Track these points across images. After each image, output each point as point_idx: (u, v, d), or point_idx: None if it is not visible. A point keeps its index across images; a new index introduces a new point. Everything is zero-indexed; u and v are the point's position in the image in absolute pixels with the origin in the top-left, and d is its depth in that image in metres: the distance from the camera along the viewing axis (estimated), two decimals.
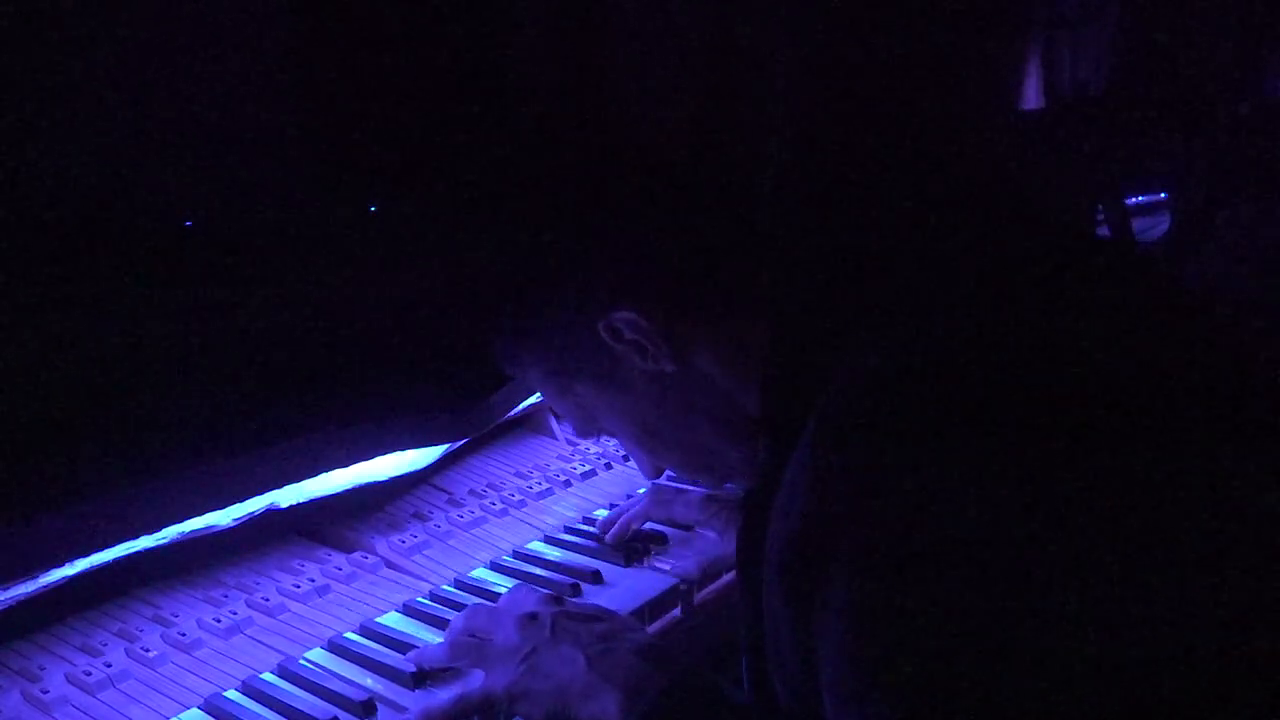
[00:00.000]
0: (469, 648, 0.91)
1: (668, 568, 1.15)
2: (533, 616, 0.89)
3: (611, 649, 0.84)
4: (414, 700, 0.90)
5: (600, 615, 0.91)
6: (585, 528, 1.27)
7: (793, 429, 0.63)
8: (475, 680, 0.91)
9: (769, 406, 0.72)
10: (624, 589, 1.10)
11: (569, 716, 0.83)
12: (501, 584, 1.11)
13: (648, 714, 0.78)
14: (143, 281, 1.28)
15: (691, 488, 1.23)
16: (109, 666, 0.92)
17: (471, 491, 1.34)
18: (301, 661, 0.96)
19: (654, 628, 1.07)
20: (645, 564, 1.16)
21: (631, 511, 1.20)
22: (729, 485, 1.20)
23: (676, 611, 1.10)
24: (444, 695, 0.90)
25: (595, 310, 0.77)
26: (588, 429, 0.87)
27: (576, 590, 1.09)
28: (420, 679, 0.91)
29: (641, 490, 1.38)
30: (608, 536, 1.20)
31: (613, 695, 0.80)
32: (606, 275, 0.77)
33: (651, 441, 0.84)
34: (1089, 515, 0.53)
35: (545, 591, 0.95)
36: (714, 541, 1.19)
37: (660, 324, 0.75)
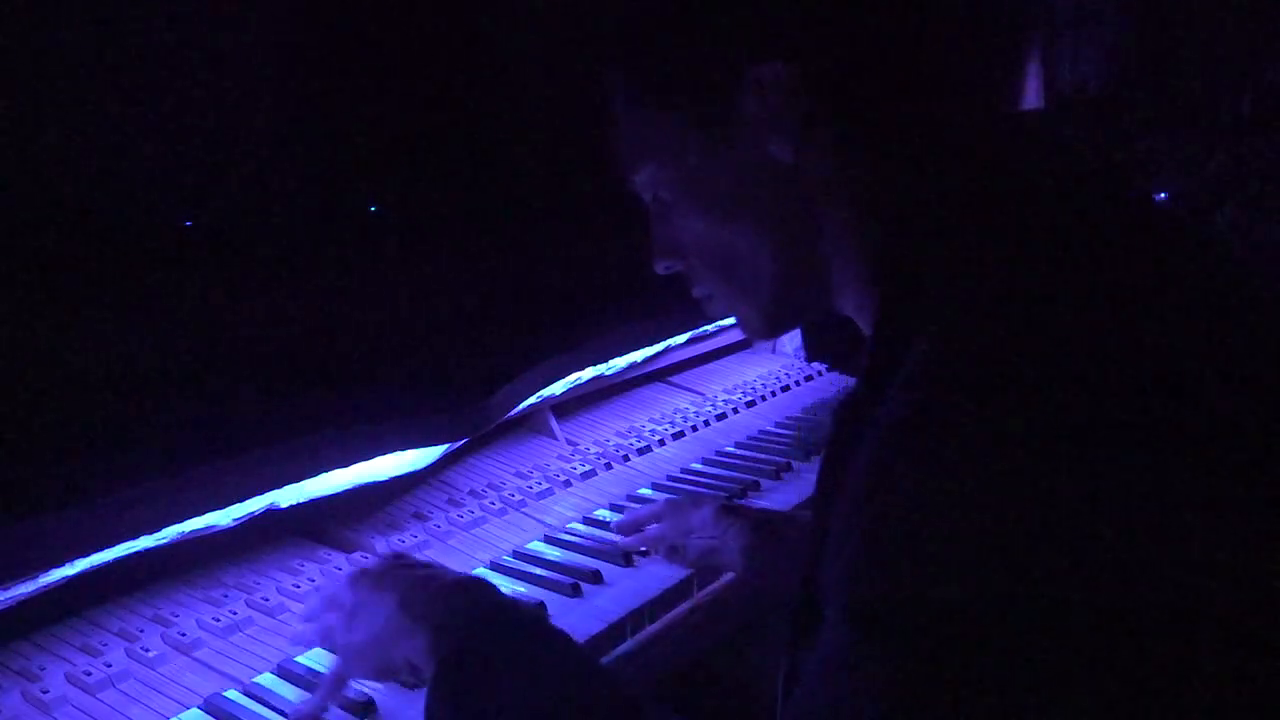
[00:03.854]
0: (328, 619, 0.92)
1: (668, 569, 1.14)
2: (362, 573, 0.91)
3: (419, 588, 0.84)
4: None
5: (427, 564, 0.91)
6: (585, 528, 1.27)
7: (894, 349, 0.59)
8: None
9: (885, 305, 0.66)
10: (624, 589, 1.10)
11: (388, 664, 0.84)
12: (502, 584, 1.11)
13: (458, 648, 0.77)
14: (143, 281, 1.28)
15: (708, 494, 1.22)
16: (109, 666, 0.92)
17: (471, 491, 1.34)
18: (301, 661, 0.96)
19: (655, 627, 1.07)
20: (645, 564, 1.16)
21: (648, 525, 1.19)
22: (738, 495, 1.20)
23: (678, 610, 1.09)
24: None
25: (746, 48, 0.68)
26: (666, 250, 0.80)
27: (576, 590, 1.09)
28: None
29: (645, 490, 1.39)
30: (620, 542, 1.19)
31: (422, 632, 0.80)
32: (781, 11, 0.68)
33: (727, 246, 0.75)
34: (1144, 499, 0.50)
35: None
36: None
37: (803, 93, 0.67)
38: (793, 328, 0.79)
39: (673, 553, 1.14)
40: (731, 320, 1.97)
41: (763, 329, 0.79)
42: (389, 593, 0.86)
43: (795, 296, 0.75)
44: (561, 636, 0.78)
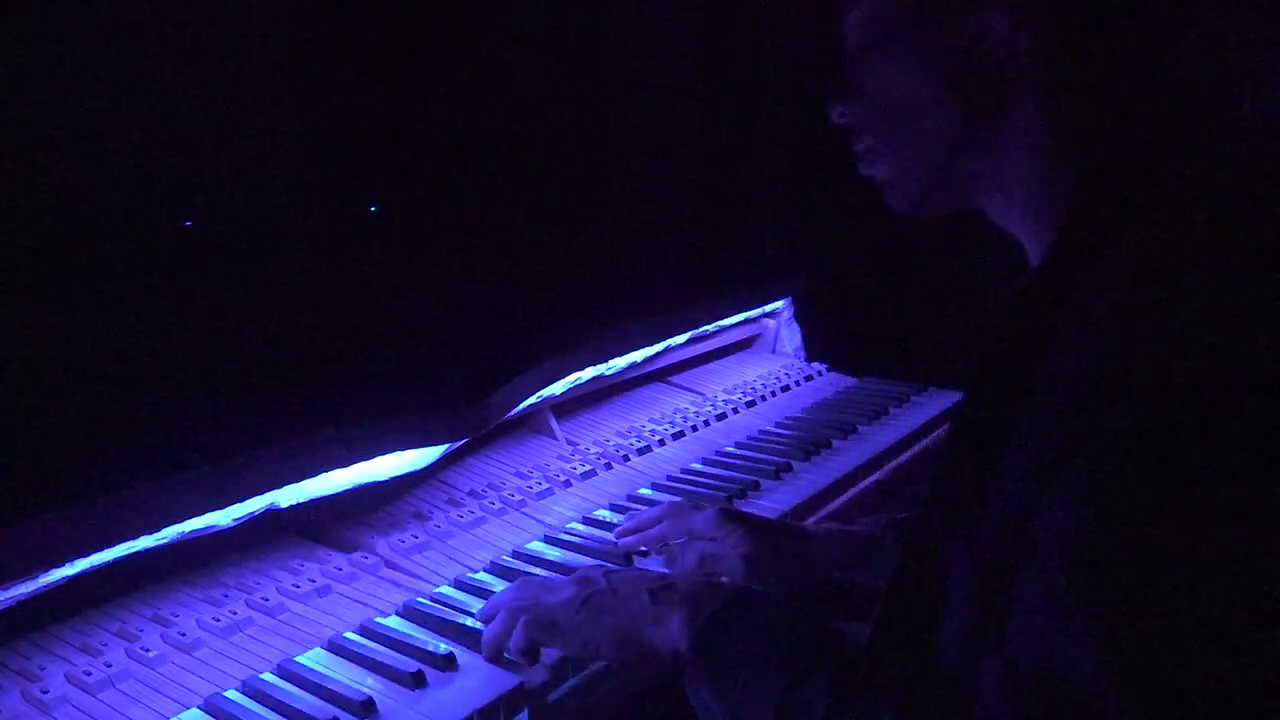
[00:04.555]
0: (525, 608, 0.95)
1: (668, 570, 1.14)
2: (585, 577, 0.96)
3: (670, 584, 0.91)
4: (414, 700, 0.90)
5: (650, 572, 0.98)
6: (585, 528, 1.27)
7: (1093, 245, 0.63)
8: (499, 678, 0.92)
9: (1088, 189, 0.68)
10: None
11: (636, 644, 0.89)
12: (502, 585, 1.11)
13: (706, 626, 0.83)
14: (142, 281, 1.28)
15: (708, 495, 1.22)
16: (109, 666, 0.92)
17: (471, 491, 1.34)
18: (301, 661, 0.96)
19: None
20: (645, 564, 1.16)
21: (650, 528, 1.19)
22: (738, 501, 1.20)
23: None
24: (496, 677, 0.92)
25: None
26: (850, 93, 0.80)
27: None
28: (420, 679, 0.91)
29: (645, 490, 1.39)
30: (621, 543, 1.19)
31: (676, 615, 0.86)
32: None
33: (912, 101, 0.75)
34: None
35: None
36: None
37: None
38: (933, 211, 0.79)
39: (671, 559, 1.14)
40: (731, 320, 1.99)
41: (908, 196, 0.79)
42: (638, 588, 0.91)
43: (955, 172, 0.76)
44: (792, 620, 0.82)
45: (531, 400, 1.44)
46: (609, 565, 1.03)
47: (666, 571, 1.09)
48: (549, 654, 0.95)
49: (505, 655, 0.95)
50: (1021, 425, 0.64)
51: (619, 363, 1.63)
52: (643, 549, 1.18)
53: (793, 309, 2.08)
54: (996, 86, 0.71)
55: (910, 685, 0.69)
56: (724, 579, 1.09)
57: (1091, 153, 0.69)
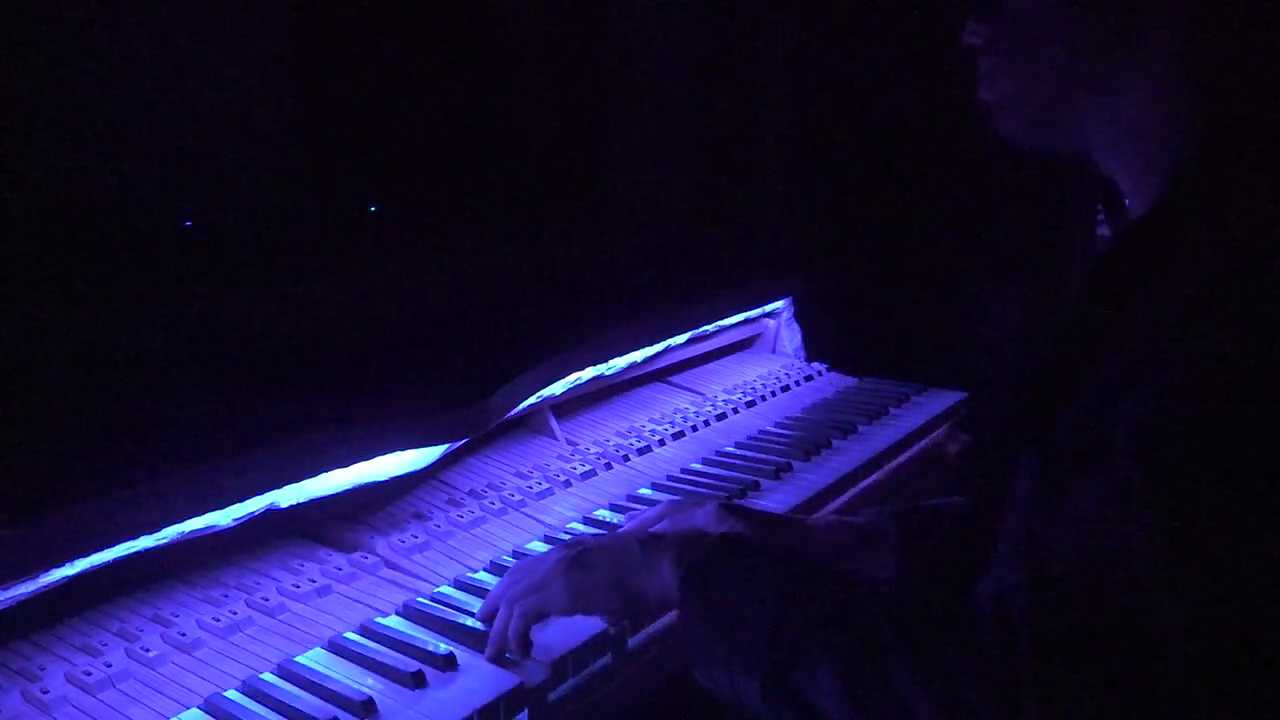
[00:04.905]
0: (518, 578, 0.97)
1: None
2: (572, 541, 1.00)
3: (659, 536, 0.94)
4: (414, 700, 0.90)
5: (638, 531, 1.02)
6: (585, 528, 1.27)
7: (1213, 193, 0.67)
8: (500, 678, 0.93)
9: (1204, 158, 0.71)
10: None
11: (627, 593, 0.90)
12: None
13: (697, 561, 0.84)
14: (143, 281, 1.28)
15: (709, 494, 1.21)
16: (109, 666, 0.92)
17: (471, 491, 1.34)
18: (301, 661, 0.96)
19: (655, 627, 1.07)
20: None
21: (648, 521, 1.19)
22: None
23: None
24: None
25: None
26: (985, 12, 0.81)
27: None
28: (420, 679, 0.91)
29: (645, 490, 1.38)
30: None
31: (666, 558, 0.89)
32: None
33: (1045, 27, 0.77)
34: None
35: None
36: None
37: None
38: (1038, 143, 0.81)
39: None
40: (731, 320, 1.98)
41: (1019, 122, 0.80)
42: (626, 541, 0.94)
43: (1071, 105, 0.77)
44: (784, 554, 0.85)
45: (531, 400, 1.44)
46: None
47: None
48: (549, 654, 0.95)
49: (508, 655, 0.96)
50: (1109, 345, 0.68)
51: (619, 363, 1.63)
52: None
53: (793, 309, 2.08)
54: (1131, 24, 0.72)
55: (916, 603, 0.71)
56: None
57: (1220, 107, 0.71)
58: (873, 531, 1.09)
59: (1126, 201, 0.79)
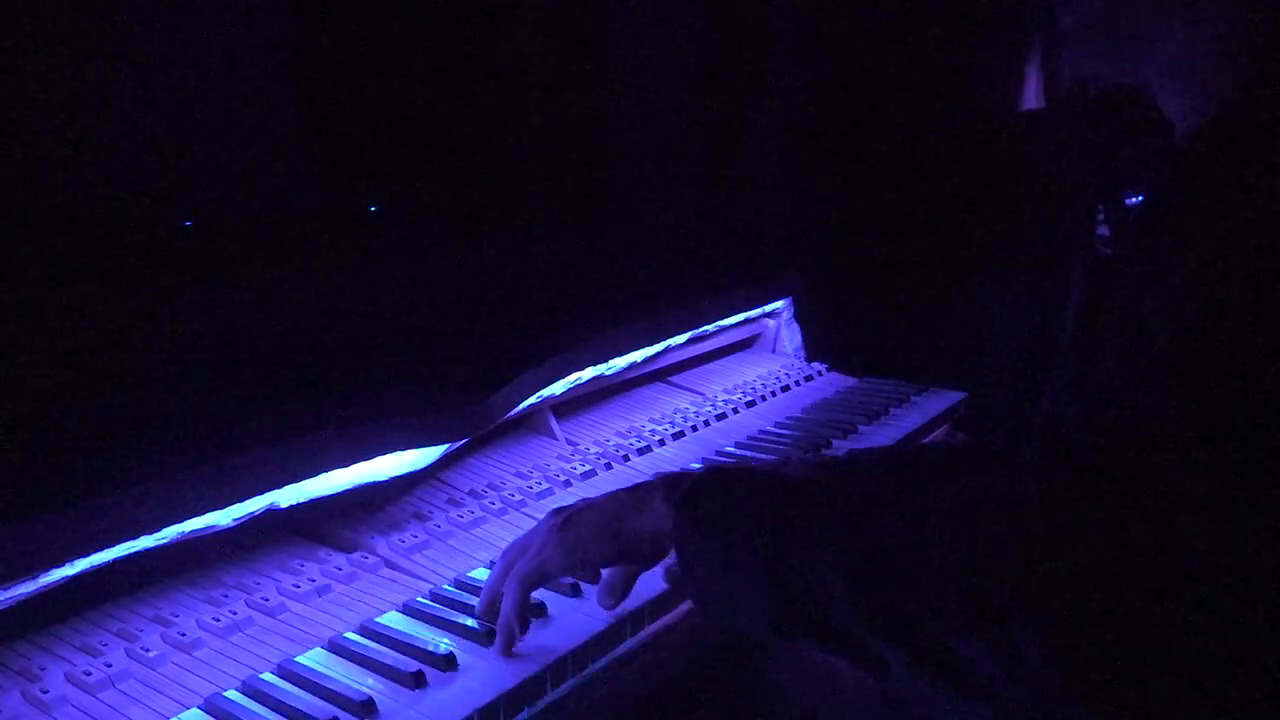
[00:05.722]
0: (510, 559, 0.97)
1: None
2: (557, 509, 0.99)
3: (645, 481, 0.94)
4: (414, 700, 0.90)
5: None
6: None
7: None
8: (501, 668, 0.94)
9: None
10: None
11: (621, 536, 0.91)
12: None
13: (689, 489, 0.86)
14: (143, 281, 1.28)
15: None
16: (109, 666, 0.92)
17: (471, 491, 1.34)
18: (301, 661, 0.96)
19: (655, 627, 1.07)
20: None
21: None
22: None
23: (680, 610, 1.09)
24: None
25: None
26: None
27: (576, 590, 1.09)
28: (420, 679, 0.92)
29: None
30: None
31: (655, 495, 0.90)
32: None
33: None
34: None
35: None
36: None
37: None
38: (1106, 74, 0.84)
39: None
40: (731, 320, 1.98)
41: (1101, 47, 0.82)
42: (612, 496, 0.95)
43: (1145, 35, 0.78)
44: (770, 474, 0.85)
45: (531, 400, 1.44)
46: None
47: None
48: (549, 654, 0.95)
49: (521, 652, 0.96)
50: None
51: (619, 363, 1.63)
52: None
53: (793, 309, 2.08)
54: None
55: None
56: None
57: (1272, 57, 0.74)
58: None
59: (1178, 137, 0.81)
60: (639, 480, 1.40)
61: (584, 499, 0.98)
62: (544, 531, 0.96)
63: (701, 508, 0.84)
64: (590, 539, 0.93)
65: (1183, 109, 0.80)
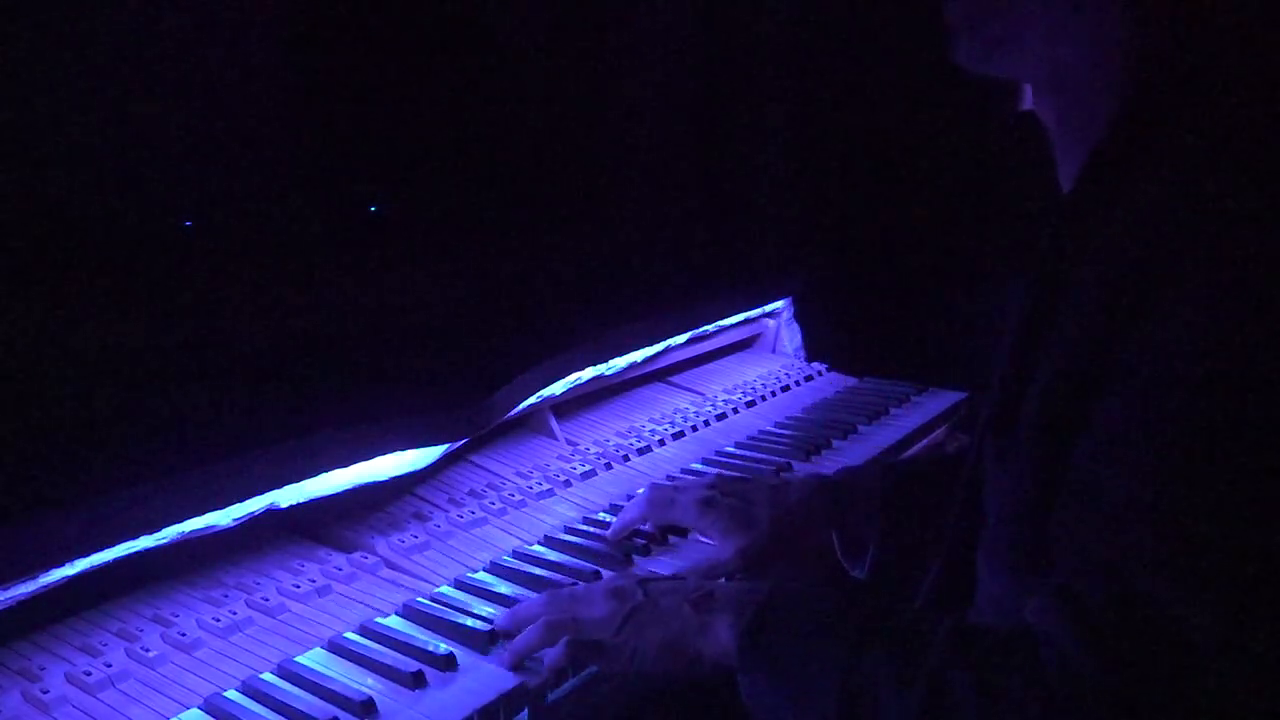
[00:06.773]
0: (564, 625, 0.94)
1: (668, 571, 1.14)
2: (619, 589, 0.94)
3: (709, 592, 0.90)
4: (414, 700, 0.90)
5: (682, 576, 0.98)
6: (586, 528, 1.27)
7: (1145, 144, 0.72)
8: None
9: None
10: None
11: (683, 656, 0.88)
12: (502, 585, 1.11)
13: (754, 619, 0.83)
14: (143, 281, 1.28)
15: (690, 484, 1.23)
16: (109, 666, 0.92)
17: (471, 491, 1.34)
18: (301, 661, 0.96)
19: None
20: (644, 564, 1.16)
21: (630, 513, 1.20)
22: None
23: None
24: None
25: None
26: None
27: None
28: (420, 679, 0.92)
29: (642, 490, 1.38)
30: (609, 534, 1.20)
31: (723, 619, 0.86)
32: None
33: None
34: None
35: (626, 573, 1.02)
36: (713, 546, 1.19)
37: None
38: (978, 64, 0.84)
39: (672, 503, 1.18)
40: (731, 320, 1.98)
41: (979, 48, 0.83)
42: (677, 600, 0.91)
43: (1017, 39, 0.80)
44: (834, 596, 0.84)
45: (531, 400, 1.44)
46: (640, 573, 1.06)
47: (693, 576, 1.08)
48: (549, 654, 0.95)
49: (527, 664, 0.95)
50: (1068, 304, 0.75)
51: (619, 363, 1.63)
52: (640, 540, 1.19)
53: (793, 309, 2.08)
54: None
55: (971, 636, 0.72)
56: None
57: (1151, 68, 0.75)
58: (849, 489, 1.14)
59: (1055, 153, 0.83)
60: (639, 480, 1.41)
61: (652, 584, 0.94)
62: (607, 614, 0.93)
63: (770, 651, 0.81)
64: (653, 655, 0.90)
65: (1058, 121, 0.81)
